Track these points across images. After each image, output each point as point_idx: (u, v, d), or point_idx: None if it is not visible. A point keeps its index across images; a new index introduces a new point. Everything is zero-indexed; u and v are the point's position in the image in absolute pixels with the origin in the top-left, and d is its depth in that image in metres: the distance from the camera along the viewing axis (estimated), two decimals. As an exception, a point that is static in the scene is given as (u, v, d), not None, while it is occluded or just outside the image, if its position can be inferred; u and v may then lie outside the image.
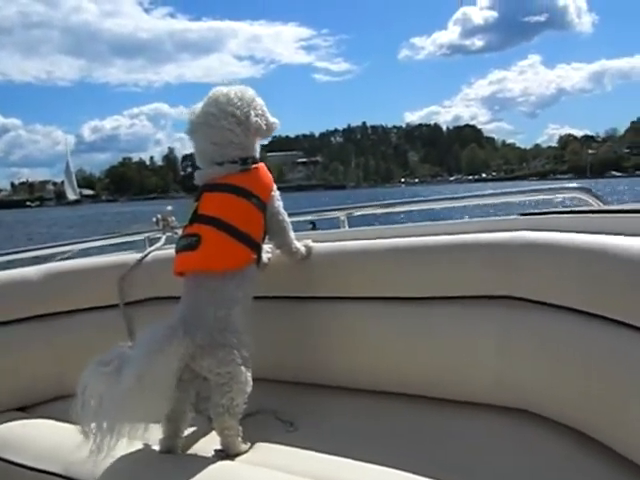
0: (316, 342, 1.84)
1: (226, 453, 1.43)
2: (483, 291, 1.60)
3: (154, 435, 1.40)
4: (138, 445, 1.40)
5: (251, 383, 1.45)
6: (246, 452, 1.45)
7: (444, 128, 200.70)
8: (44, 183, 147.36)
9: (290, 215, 1.74)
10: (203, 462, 1.33)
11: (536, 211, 1.82)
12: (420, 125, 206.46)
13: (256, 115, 1.59)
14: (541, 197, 2.10)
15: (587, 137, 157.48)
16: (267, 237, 1.68)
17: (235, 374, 1.42)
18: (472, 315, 1.61)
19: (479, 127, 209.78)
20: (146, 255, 2.18)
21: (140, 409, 1.30)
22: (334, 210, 2.26)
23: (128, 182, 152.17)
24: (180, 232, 1.70)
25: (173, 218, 2.26)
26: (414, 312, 1.69)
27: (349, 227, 2.17)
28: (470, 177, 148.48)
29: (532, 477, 1.28)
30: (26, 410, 1.93)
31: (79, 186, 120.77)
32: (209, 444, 1.49)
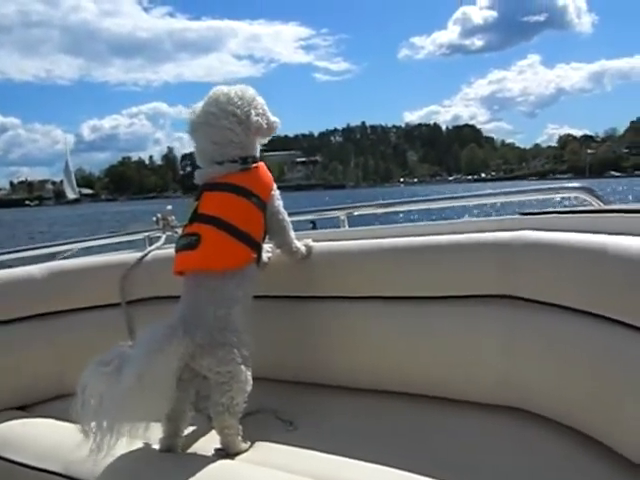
0: (316, 341, 1.84)
1: (226, 452, 1.43)
2: (484, 291, 1.60)
3: (154, 434, 1.40)
4: (138, 444, 1.40)
5: (251, 382, 1.45)
6: (246, 451, 1.45)
7: (443, 128, 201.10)
8: (43, 182, 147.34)
9: (290, 214, 1.73)
10: (203, 461, 1.32)
11: (538, 211, 1.82)
12: (419, 125, 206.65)
13: (257, 114, 1.59)
14: (542, 197, 2.10)
15: (586, 137, 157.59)
16: (267, 236, 1.68)
17: (235, 373, 1.42)
18: (473, 315, 1.61)
19: (478, 127, 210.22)
20: (146, 254, 2.18)
21: (140, 408, 1.30)
22: (334, 210, 2.26)
23: (127, 181, 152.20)
24: (180, 231, 1.69)
25: (173, 217, 2.26)
26: (415, 311, 1.69)
27: (349, 227, 2.17)
28: (469, 177, 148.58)
29: (533, 476, 1.28)
30: (26, 409, 1.93)
31: (78, 185, 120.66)
32: (209, 443, 1.48)
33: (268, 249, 1.79)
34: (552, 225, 1.59)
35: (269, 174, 1.67)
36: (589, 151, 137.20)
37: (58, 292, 2.07)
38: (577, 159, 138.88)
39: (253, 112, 1.58)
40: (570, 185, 1.94)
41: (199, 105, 1.62)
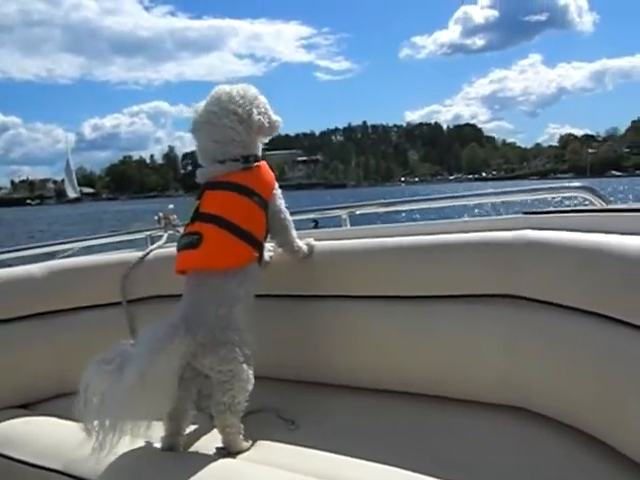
0: (318, 340, 1.84)
1: (228, 451, 1.43)
2: (486, 290, 1.60)
3: (156, 433, 1.40)
4: (140, 443, 1.40)
5: (253, 381, 1.45)
6: (248, 450, 1.45)
7: (444, 127, 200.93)
8: (44, 181, 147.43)
9: (292, 214, 1.74)
10: (205, 460, 1.32)
11: (539, 210, 1.81)
12: (420, 124, 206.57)
13: (258, 113, 1.59)
14: (544, 196, 2.10)
15: (587, 136, 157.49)
16: (269, 235, 1.68)
17: (237, 372, 1.42)
18: (474, 314, 1.61)
19: (479, 126, 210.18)
20: (148, 253, 2.18)
21: (142, 407, 1.30)
22: (336, 209, 2.26)
23: (128, 180, 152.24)
24: (182, 230, 1.70)
25: (175, 216, 2.26)
26: (416, 311, 1.69)
27: (351, 226, 2.17)
28: (470, 176, 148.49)
29: (534, 476, 1.28)
30: (29, 407, 1.93)
31: (79, 184, 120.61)
32: (211, 442, 1.48)
33: (270, 248, 1.79)
34: (554, 224, 1.58)
35: (271, 173, 1.67)
36: (590, 150, 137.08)
37: (58, 291, 2.07)
38: (578, 159, 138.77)
39: (255, 111, 1.58)
40: (572, 185, 1.94)
41: (201, 104, 1.62)
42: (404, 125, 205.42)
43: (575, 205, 2.06)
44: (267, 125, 1.62)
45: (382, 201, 2.40)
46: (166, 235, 2.25)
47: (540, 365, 1.46)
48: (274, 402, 1.68)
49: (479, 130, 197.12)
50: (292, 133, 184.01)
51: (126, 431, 1.28)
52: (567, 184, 1.96)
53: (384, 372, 1.74)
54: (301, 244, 1.79)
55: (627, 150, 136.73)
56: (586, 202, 1.86)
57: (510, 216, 1.80)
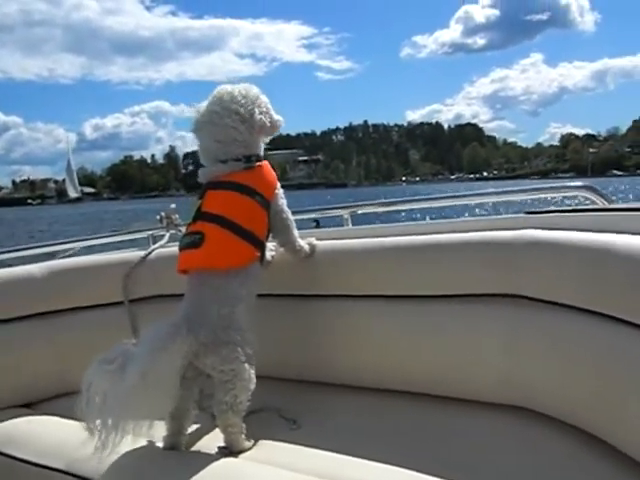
0: (320, 340, 1.84)
1: (230, 450, 1.43)
2: (488, 289, 1.60)
3: (158, 432, 1.41)
4: (142, 442, 1.41)
5: (254, 381, 1.45)
6: (250, 449, 1.45)
7: (445, 126, 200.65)
8: (45, 181, 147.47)
9: (294, 213, 1.74)
10: (207, 459, 1.32)
11: (541, 209, 1.81)
12: (422, 123, 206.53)
13: (260, 113, 1.59)
14: (546, 195, 2.10)
15: (589, 136, 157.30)
16: (271, 235, 1.68)
17: (239, 372, 1.42)
18: (476, 313, 1.61)
19: (481, 125, 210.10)
20: (150, 253, 2.18)
21: (144, 406, 1.30)
22: (338, 208, 2.26)
23: (129, 180, 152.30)
24: (184, 230, 1.70)
25: (177, 216, 2.26)
26: (418, 310, 1.69)
27: (353, 225, 2.17)
28: (471, 176, 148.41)
29: (536, 475, 1.28)
30: (31, 407, 1.94)
31: (80, 184, 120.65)
32: (213, 441, 1.49)
33: (272, 247, 1.79)
34: (555, 224, 1.58)
35: (273, 173, 1.67)
36: (591, 150, 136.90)
37: (59, 291, 2.07)
38: (579, 158, 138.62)
39: (257, 110, 1.58)
40: (574, 184, 1.94)
41: (203, 104, 1.62)
42: (405, 124, 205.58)
43: (576, 205, 2.06)
44: (269, 125, 1.62)
45: (384, 201, 2.40)
46: (168, 234, 2.25)
47: (541, 364, 1.46)
48: (276, 402, 1.68)
49: (480, 129, 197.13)
50: (293, 133, 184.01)
51: (128, 430, 1.28)
52: (569, 183, 1.96)
53: (386, 372, 1.74)
54: (303, 243, 1.79)
55: (628, 150, 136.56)
56: (587, 201, 1.86)
57: (512, 215, 1.80)
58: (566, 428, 1.40)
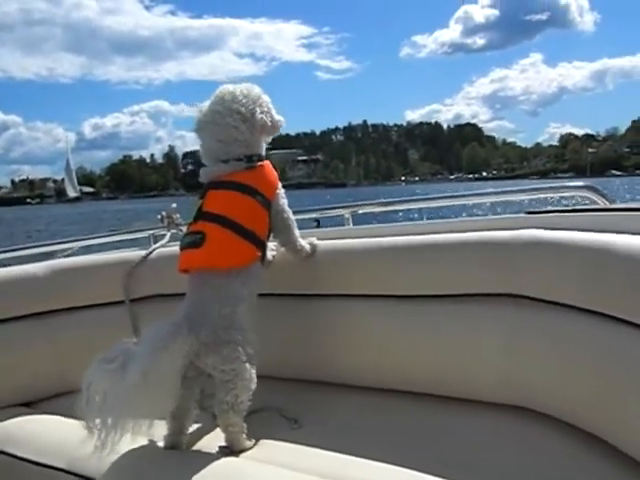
0: (321, 340, 1.84)
1: (231, 450, 1.44)
2: (489, 289, 1.60)
3: (159, 431, 1.41)
4: (143, 441, 1.41)
5: (255, 380, 1.46)
6: (251, 449, 1.45)
7: (445, 126, 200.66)
8: (44, 180, 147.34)
9: (294, 213, 1.74)
10: (208, 458, 1.33)
11: (542, 209, 1.81)
12: (421, 123, 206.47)
13: (261, 112, 1.59)
14: (548, 195, 2.09)
15: (588, 136, 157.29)
16: (272, 235, 1.68)
17: (240, 371, 1.42)
18: (476, 313, 1.61)
19: (480, 125, 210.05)
20: (151, 252, 2.18)
21: (145, 406, 1.30)
22: (338, 208, 2.26)
23: (128, 180, 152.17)
24: (185, 229, 1.70)
25: (178, 215, 2.26)
26: (419, 310, 1.69)
27: (354, 225, 2.17)
28: (470, 176, 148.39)
29: (536, 475, 1.28)
30: (31, 406, 1.94)
31: (79, 184, 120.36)
32: (214, 441, 1.49)
33: (273, 247, 1.79)
34: (556, 224, 1.58)
35: (274, 172, 1.67)
36: (590, 150, 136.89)
37: (59, 290, 2.07)
38: (578, 158, 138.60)
39: (258, 110, 1.59)
40: (575, 184, 1.94)
41: (205, 104, 1.62)
42: (404, 124, 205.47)
43: (574, 204, 2.06)
44: (270, 124, 1.62)
45: (384, 200, 2.39)
46: (169, 234, 2.26)
47: (542, 364, 1.46)
48: (277, 401, 1.68)
49: (479, 129, 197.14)
50: (292, 132, 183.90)
51: (128, 430, 1.28)
52: (570, 183, 1.96)
53: (386, 371, 1.74)
54: (304, 243, 1.79)
55: (627, 150, 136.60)
56: (586, 201, 1.86)
57: (513, 215, 1.80)
58: (566, 428, 1.40)
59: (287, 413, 1.63)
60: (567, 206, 2.16)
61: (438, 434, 1.48)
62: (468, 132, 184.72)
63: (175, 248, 1.76)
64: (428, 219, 2.12)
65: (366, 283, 1.79)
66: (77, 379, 1.26)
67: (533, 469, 1.29)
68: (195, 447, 1.49)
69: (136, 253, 2.22)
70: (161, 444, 1.45)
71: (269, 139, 1.70)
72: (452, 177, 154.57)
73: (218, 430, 1.47)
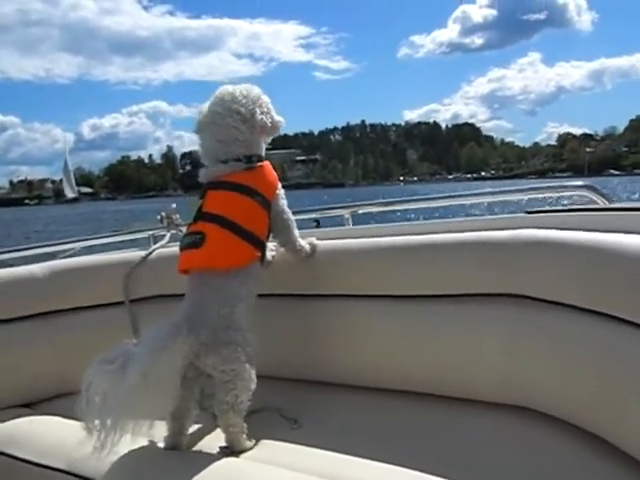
0: (320, 340, 1.84)
1: (231, 450, 1.44)
2: (489, 289, 1.60)
3: (159, 432, 1.41)
4: (143, 442, 1.41)
5: (255, 380, 1.45)
6: (251, 449, 1.45)
7: (443, 126, 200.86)
8: (43, 181, 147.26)
9: (294, 213, 1.74)
10: (208, 459, 1.33)
11: (542, 209, 1.81)
12: (419, 123, 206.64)
13: (261, 113, 1.59)
14: (547, 195, 2.09)
15: (586, 135, 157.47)
16: (272, 235, 1.68)
17: (239, 371, 1.42)
18: (476, 313, 1.61)
19: (478, 125, 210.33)
20: (150, 253, 2.18)
21: (145, 406, 1.30)
22: (338, 208, 2.26)
23: (127, 180, 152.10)
24: (184, 230, 1.70)
25: (177, 216, 2.26)
26: (419, 310, 1.69)
27: (353, 225, 2.17)
28: (469, 175, 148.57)
29: (537, 475, 1.28)
30: (32, 406, 1.94)
31: (78, 184, 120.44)
32: (214, 441, 1.49)
33: (272, 247, 1.79)
34: (556, 223, 1.58)
35: (274, 173, 1.67)
36: (588, 149, 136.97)
37: (60, 291, 2.07)
38: (576, 157, 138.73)
39: (258, 110, 1.59)
40: (574, 183, 1.94)
41: (205, 105, 1.62)
42: (403, 124, 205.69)
43: (571, 204, 2.06)
44: (270, 125, 1.62)
45: (384, 200, 2.39)
46: (169, 235, 2.25)
47: (542, 364, 1.46)
48: (277, 401, 1.68)
49: (478, 129, 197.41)
50: (291, 133, 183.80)
51: (128, 430, 1.28)
52: (569, 183, 1.96)
53: (386, 371, 1.74)
54: (303, 243, 1.79)
55: (625, 149, 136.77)
56: (584, 199, 1.86)
57: (513, 215, 1.80)
58: (567, 428, 1.40)
59: (287, 413, 1.63)
60: (566, 206, 2.16)
61: (438, 434, 1.48)
62: (466, 132, 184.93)
63: (175, 249, 1.76)
64: (425, 219, 2.12)
65: (366, 283, 1.79)
66: (77, 380, 1.26)
67: (533, 469, 1.29)
68: (195, 447, 1.49)
69: (136, 254, 2.22)
70: (161, 445, 1.45)
71: (269, 140, 1.70)
72: (450, 177, 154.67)
73: (218, 430, 1.47)
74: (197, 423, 1.53)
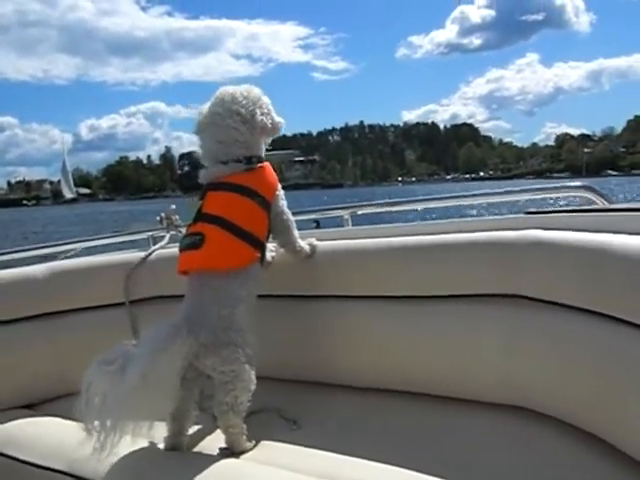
0: (320, 340, 1.84)
1: (231, 451, 1.44)
2: (489, 290, 1.60)
3: (159, 433, 1.41)
4: (143, 443, 1.41)
5: (255, 381, 1.46)
6: (250, 450, 1.46)
7: (441, 127, 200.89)
8: (41, 182, 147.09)
9: (294, 214, 1.74)
10: (208, 460, 1.33)
11: (543, 210, 1.81)
12: (417, 124, 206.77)
13: (261, 114, 1.59)
14: (544, 195, 2.09)
15: (584, 136, 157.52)
16: (271, 236, 1.68)
17: (239, 372, 1.42)
18: (476, 314, 1.61)
19: (476, 126, 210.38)
20: (150, 254, 2.18)
21: (144, 407, 1.30)
22: (338, 209, 2.26)
23: (125, 181, 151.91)
24: (184, 231, 1.70)
25: (177, 217, 2.26)
26: (418, 310, 1.69)
27: (353, 226, 2.17)
28: (467, 176, 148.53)
29: (536, 475, 1.28)
30: (32, 408, 1.94)
31: (76, 185, 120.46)
32: (214, 442, 1.49)
33: (272, 248, 1.79)
34: (557, 224, 1.58)
35: (274, 174, 1.67)
36: (586, 150, 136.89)
37: (60, 292, 2.07)
38: (574, 158, 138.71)
39: (258, 111, 1.59)
40: (573, 184, 1.94)
41: (206, 106, 1.62)
42: (401, 125, 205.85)
43: (567, 205, 2.06)
44: (270, 126, 1.62)
45: (384, 201, 2.39)
46: (168, 235, 2.26)
47: (541, 364, 1.46)
48: (276, 402, 1.68)
49: (476, 130, 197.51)
50: (289, 133, 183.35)
51: (128, 431, 1.28)
52: (568, 183, 1.96)
53: (386, 372, 1.74)
54: (303, 244, 1.79)
55: (623, 150, 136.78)
56: (582, 200, 1.86)
57: (513, 216, 1.80)
58: (566, 428, 1.40)
59: (286, 414, 1.64)
60: (564, 206, 2.16)
61: (437, 434, 1.48)
62: (465, 132, 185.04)
63: (174, 250, 1.76)
64: (425, 219, 2.12)
65: (366, 284, 1.79)
66: (78, 381, 1.26)
67: (533, 469, 1.29)
68: (195, 448, 1.49)
69: (136, 255, 2.22)
70: (161, 446, 1.45)
71: (269, 141, 1.70)
72: (449, 177, 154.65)
73: (218, 431, 1.47)
74: (197, 424, 1.53)
